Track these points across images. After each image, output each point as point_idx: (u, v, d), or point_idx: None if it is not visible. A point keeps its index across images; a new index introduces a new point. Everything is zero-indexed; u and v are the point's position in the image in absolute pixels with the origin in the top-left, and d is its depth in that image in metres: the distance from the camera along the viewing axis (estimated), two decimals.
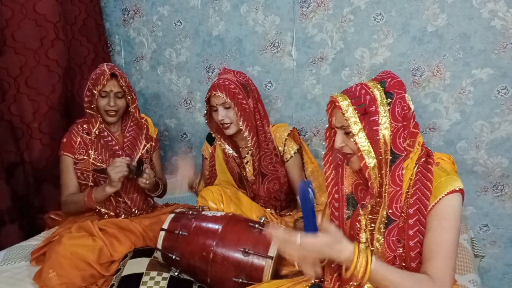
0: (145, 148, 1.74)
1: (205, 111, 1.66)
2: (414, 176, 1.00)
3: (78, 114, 2.03)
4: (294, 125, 1.99)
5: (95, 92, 1.58)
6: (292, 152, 1.71)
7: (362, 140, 0.96)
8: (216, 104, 1.58)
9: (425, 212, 0.97)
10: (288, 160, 1.71)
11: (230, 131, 1.62)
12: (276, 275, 1.34)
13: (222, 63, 2.20)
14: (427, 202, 0.97)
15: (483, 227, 1.87)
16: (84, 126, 1.68)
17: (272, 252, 1.29)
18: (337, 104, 0.99)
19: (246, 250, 1.29)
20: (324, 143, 2.04)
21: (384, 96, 0.97)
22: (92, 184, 1.66)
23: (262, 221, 1.41)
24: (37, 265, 1.49)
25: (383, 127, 0.95)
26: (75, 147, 1.66)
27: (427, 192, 0.97)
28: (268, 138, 1.67)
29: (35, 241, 1.67)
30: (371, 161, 0.96)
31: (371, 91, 0.98)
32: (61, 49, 1.95)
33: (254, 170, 1.67)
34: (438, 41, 1.73)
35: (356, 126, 0.96)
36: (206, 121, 1.69)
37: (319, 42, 1.94)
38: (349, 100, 0.98)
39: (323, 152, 2.07)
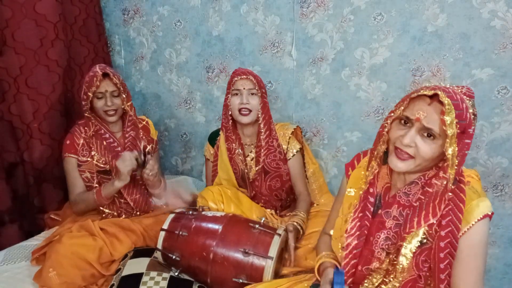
0: (146, 148, 1.76)
1: (225, 99, 1.66)
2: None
3: (78, 114, 2.04)
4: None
5: (90, 94, 1.60)
6: (295, 150, 1.73)
7: (450, 154, 0.91)
8: (243, 88, 1.61)
9: (457, 236, 0.95)
10: (290, 158, 1.72)
11: (247, 118, 1.64)
12: (276, 275, 1.34)
13: (222, 63, 2.19)
14: (459, 225, 0.95)
15: None
16: (85, 128, 1.69)
17: (273, 252, 1.29)
18: (443, 113, 0.90)
19: (246, 251, 1.29)
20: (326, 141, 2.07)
21: (475, 117, 0.94)
22: (97, 185, 1.67)
23: (262, 221, 1.41)
24: (37, 265, 1.49)
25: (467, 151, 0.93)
26: (78, 149, 1.67)
27: (459, 214, 0.95)
28: (273, 135, 1.70)
29: (35, 241, 1.67)
30: (449, 175, 0.93)
31: (470, 111, 0.93)
32: (61, 49, 1.94)
33: (257, 165, 1.68)
34: (438, 41, 1.73)
35: (452, 141, 0.90)
36: (229, 106, 1.65)
37: (319, 42, 1.94)
38: (456, 113, 0.90)
39: (323, 152, 2.09)
